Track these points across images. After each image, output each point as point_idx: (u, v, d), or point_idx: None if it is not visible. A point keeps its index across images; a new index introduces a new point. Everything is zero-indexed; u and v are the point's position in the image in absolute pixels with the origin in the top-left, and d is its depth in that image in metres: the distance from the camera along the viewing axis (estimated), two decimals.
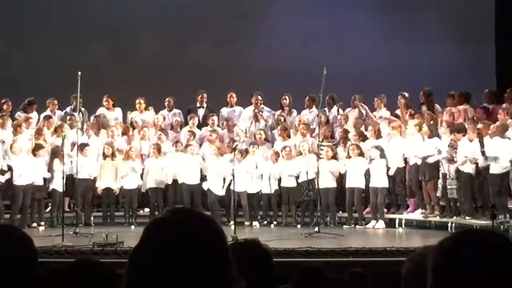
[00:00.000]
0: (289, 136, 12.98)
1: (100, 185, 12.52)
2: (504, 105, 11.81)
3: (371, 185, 11.99)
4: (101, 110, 13.73)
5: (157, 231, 1.65)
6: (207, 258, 1.59)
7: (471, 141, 10.90)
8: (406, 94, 12.84)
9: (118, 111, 13.85)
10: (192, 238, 1.61)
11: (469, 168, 10.92)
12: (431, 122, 11.95)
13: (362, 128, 12.83)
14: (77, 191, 12.16)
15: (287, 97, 13.74)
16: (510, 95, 12.13)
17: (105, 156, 12.59)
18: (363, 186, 12.08)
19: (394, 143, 12.11)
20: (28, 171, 11.80)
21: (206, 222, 1.67)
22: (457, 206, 11.25)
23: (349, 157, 12.18)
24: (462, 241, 1.64)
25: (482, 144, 10.68)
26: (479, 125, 11.03)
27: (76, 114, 12.59)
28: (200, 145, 13.07)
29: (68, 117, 13.26)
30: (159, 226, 1.66)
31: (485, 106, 12.12)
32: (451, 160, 11.08)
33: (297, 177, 12.39)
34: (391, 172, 12.01)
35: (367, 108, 13.16)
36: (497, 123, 10.90)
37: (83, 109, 13.72)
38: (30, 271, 1.97)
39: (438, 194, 11.49)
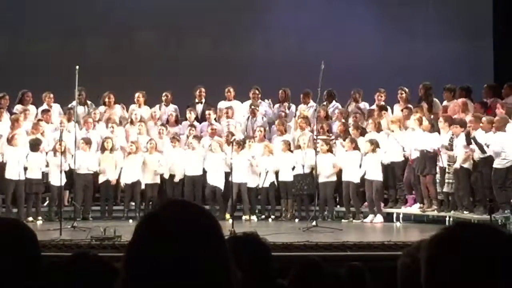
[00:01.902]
0: (286, 131, 12.99)
1: (100, 179, 12.56)
2: (503, 100, 11.83)
3: (365, 177, 12.02)
4: (102, 107, 13.69)
5: (150, 226, 1.63)
6: (203, 250, 1.58)
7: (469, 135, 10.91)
8: (406, 89, 12.86)
9: (118, 108, 13.79)
10: (186, 230, 1.59)
11: (466, 162, 10.93)
12: (431, 116, 11.97)
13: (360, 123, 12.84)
14: (75, 185, 12.16)
15: (284, 92, 13.74)
16: (507, 90, 12.14)
17: (104, 150, 12.60)
18: (357, 180, 12.08)
19: (393, 137, 12.10)
20: (24, 165, 11.82)
21: (199, 213, 1.65)
22: (455, 200, 11.26)
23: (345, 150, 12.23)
24: (457, 233, 1.64)
25: (468, 138, 10.66)
26: (469, 118, 11.09)
27: (74, 107, 12.56)
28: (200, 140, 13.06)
29: (67, 111, 13.24)
30: (152, 221, 1.64)
31: (483, 101, 12.11)
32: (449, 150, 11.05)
33: (293, 169, 12.41)
34: (385, 162, 12.01)
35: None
36: (497, 117, 10.89)
37: (89, 102, 13.73)
38: (33, 265, 1.98)
39: (438, 188, 11.49)
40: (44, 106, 13.44)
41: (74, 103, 12.84)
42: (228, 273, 1.61)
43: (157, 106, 13.82)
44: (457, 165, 10.95)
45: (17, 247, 1.95)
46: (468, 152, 10.79)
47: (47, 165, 12.14)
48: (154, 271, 1.56)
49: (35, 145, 12.03)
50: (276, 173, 12.57)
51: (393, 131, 12.16)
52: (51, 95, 13.52)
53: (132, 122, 13.37)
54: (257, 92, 13.76)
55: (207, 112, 13.43)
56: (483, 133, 10.70)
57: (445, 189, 11.26)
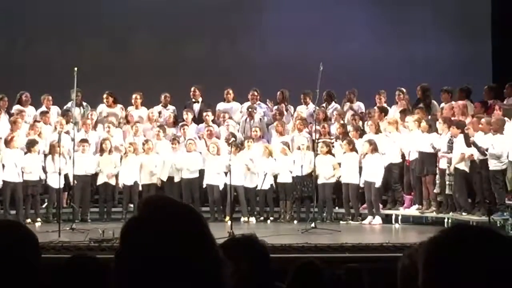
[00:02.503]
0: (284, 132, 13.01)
1: (98, 180, 12.56)
2: (505, 101, 11.83)
3: (365, 179, 12.02)
4: (101, 107, 13.70)
5: (135, 230, 1.61)
6: (191, 247, 1.56)
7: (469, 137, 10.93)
8: (404, 90, 12.87)
9: (118, 108, 13.79)
10: (171, 229, 1.57)
11: (462, 165, 10.94)
12: (429, 117, 11.97)
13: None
14: (74, 187, 12.15)
15: (282, 93, 13.73)
16: (509, 90, 12.13)
17: (102, 151, 12.59)
18: (357, 181, 12.09)
19: (391, 139, 12.10)
20: (21, 167, 11.83)
21: (182, 210, 1.63)
22: (454, 202, 11.26)
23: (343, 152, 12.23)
24: (455, 235, 1.64)
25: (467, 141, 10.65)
26: (468, 120, 11.10)
27: (72, 109, 12.56)
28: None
29: (65, 112, 13.24)
30: (136, 224, 1.62)
31: (484, 100, 12.10)
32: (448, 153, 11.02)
33: (292, 172, 12.41)
34: (384, 165, 12.02)
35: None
36: (493, 118, 10.90)
37: (84, 103, 13.73)
38: (33, 268, 1.98)
39: (436, 190, 11.49)
40: (43, 108, 13.43)
41: (70, 104, 12.84)
42: (218, 268, 1.60)
43: (155, 107, 13.80)
44: (452, 167, 10.97)
45: (17, 249, 1.95)
46: (468, 154, 10.78)
47: (44, 167, 12.11)
48: (145, 275, 1.55)
49: (29, 146, 12.01)
50: (275, 175, 12.55)
51: (390, 132, 12.16)
52: (50, 97, 13.52)
53: (128, 123, 13.34)
54: (255, 93, 13.76)
55: (204, 113, 13.43)
56: (482, 135, 10.70)
57: (446, 191, 11.26)
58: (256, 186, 12.49)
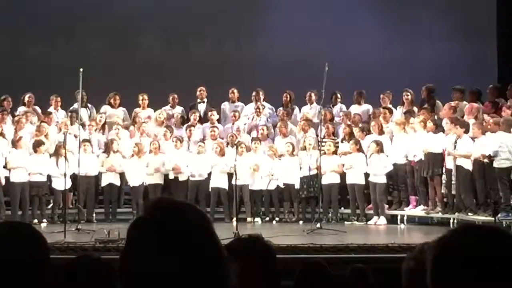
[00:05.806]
0: (287, 133, 12.99)
1: (103, 182, 12.56)
2: (508, 103, 11.81)
3: (369, 180, 12.01)
4: (105, 107, 13.70)
5: (140, 231, 1.61)
6: (194, 249, 1.56)
7: (473, 138, 10.91)
8: (411, 91, 12.85)
9: (120, 110, 13.78)
10: (176, 231, 1.57)
11: (468, 164, 10.91)
12: (435, 117, 11.95)
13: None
14: (79, 187, 12.16)
15: (288, 95, 13.72)
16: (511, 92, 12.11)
17: (108, 152, 12.59)
18: (363, 182, 12.07)
19: (396, 140, 12.09)
20: (28, 167, 11.84)
21: (188, 212, 1.63)
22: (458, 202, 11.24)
23: (349, 152, 12.22)
24: (463, 235, 1.64)
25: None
26: (472, 121, 11.09)
27: (78, 110, 12.56)
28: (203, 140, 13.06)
29: (69, 114, 13.26)
30: (141, 225, 1.62)
31: (495, 100, 12.06)
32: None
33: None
34: (389, 166, 12.02)
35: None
36: (502, 119, 10.87)
37: (89, 105, 13.75)
38: (42, 269, 1.98)
39: (443, 190, 11.47)
40: (50, 109, 13.45)
41: (76, 105, 12.85)
42: (223, 268, 1.60)
43: (163, 109, 13.78)
44: (457, 163, 10.95)
45: (26, 250, 1.96)
46: (478, 154, 10.77)
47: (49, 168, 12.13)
48: (149, 275, 1.55)
49: (35, 146, 12.03)
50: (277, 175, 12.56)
51: (396, 133, 12.13)
52: (58, 99, 13.54)
53: (135, 124, 13.34)
54: (260, 94, 13.75)
55: (209, 113, 13.43)
56: (494, 135, 10.68)
57: (453, 191, 11.24)
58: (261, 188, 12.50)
